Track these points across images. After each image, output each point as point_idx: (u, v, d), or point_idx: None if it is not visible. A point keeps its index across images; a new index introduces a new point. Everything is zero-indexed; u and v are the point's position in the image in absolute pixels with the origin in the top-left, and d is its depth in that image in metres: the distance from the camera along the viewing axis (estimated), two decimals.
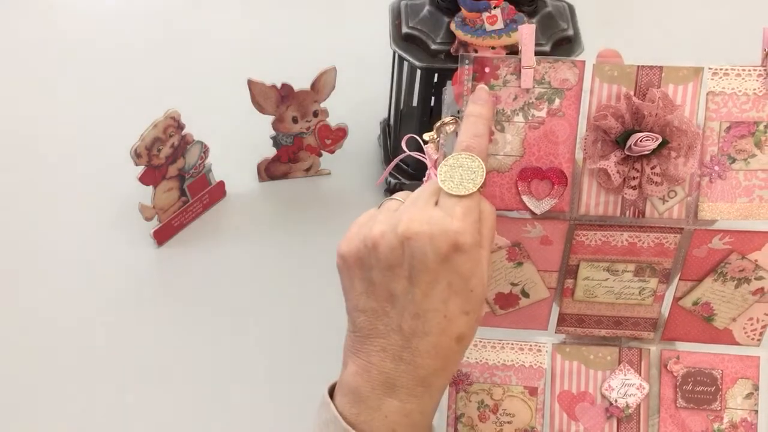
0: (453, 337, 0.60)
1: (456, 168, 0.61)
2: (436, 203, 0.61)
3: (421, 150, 0.71)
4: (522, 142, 0.68)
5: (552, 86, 0.67)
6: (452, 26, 1.00)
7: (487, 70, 0.66)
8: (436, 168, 0.69)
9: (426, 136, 0.70)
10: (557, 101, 0.67)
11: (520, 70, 0.66)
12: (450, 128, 0.68)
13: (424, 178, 0.72)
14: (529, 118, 0.67)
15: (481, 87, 0.67)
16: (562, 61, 0.66)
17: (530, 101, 0.67)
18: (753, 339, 0.76)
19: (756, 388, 0.76)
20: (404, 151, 0.76)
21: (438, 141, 0.69)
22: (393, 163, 0.80)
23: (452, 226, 0.58)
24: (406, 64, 1.06)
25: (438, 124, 0.68)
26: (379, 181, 0.87)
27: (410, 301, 0.60)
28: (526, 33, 0.65)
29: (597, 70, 0.66)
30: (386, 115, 1.24)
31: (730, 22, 1.45)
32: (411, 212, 0.60)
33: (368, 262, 0.61)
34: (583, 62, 0.66)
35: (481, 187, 0.60)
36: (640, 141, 0.65)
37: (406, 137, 0.75)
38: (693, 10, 1.48)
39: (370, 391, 0.62)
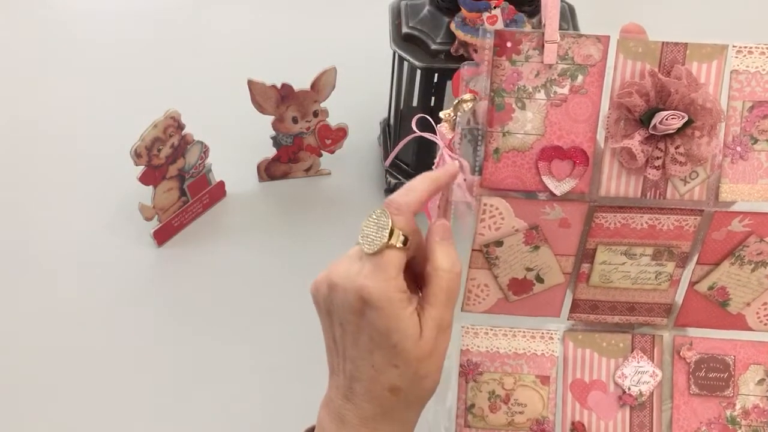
0: (385, 387, 0.59)
1: (371, 223, 0.58)
2: None
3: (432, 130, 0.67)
4: (543, 121, 0.63)
5: (575, 62, 0.62)
6: (452, 26, 0.98)
7: (509, 44, 0.62)
8: (450, 149, 0.65)
9: (441, 115, 0.65)
10: (580, 78, 0.62)
11: (543, 45, 0.62)
12: (468, 105, 0.64)
13: (436, 160, 0.68)
14: (551, 95, 0.63)
15: (454, 163, 0.64)
16: (586, 36, 0.62)
17: (553, 77, 0.62)
18: (766, 324, 0.72)
19: None
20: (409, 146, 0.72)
21: (454, 119, 0.64)
22: (402, 143, 0.75)
23: (356, 282, 0.57)
24: (406, 64, 1.03)
25: (456, 101, 0.64)
26: (387, 163, 0.83)
27: (345, 347, 0.60)
28: (551, 5, 0.60)
29: (621, 46, 0.62)
30: (386, 115, 1.21)
31: (731, 22, 1.42)
32: (338, 263, 0.59)
33: (318, 305, 0.62)
34: (608, 37, 0.62)
35: (403, 244, 0.57)
36: (666, 119, 0.61)
37: (416, 117, 0.70)
38: (694, 11, 1.46)
39: (329, 423, 0.62)
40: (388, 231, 0.57)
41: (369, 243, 0.57)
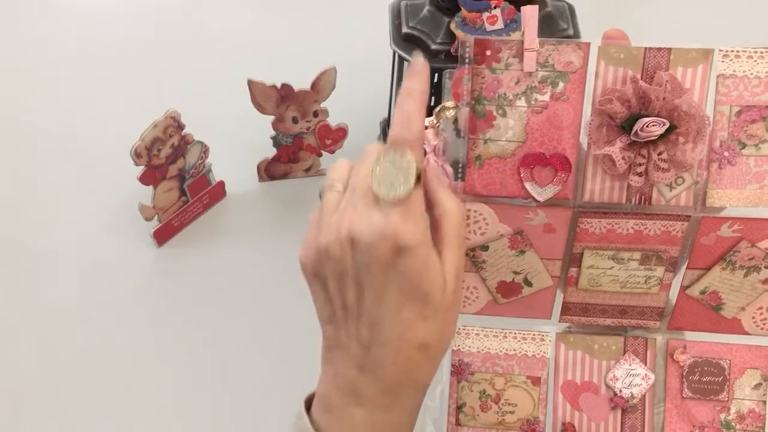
0: (414, 345, 0.56)
1: (387, 167, 0.54)
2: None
3: None
4: (524, 128, 0.64)
5: (555, 69, 0.63)
6: (452, 26, 0.98)
7: (488, 53, 0.62)
8: (435, 154, 0.66)
9: (426, 122, 0.66)
10: (561, 85, 0.63)
11: (522, 53, 0.62)
12: (450, 113, 0.64)
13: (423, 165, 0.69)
14: (532, 102, 0.63)
15: (417, 56, 0.61)
16: (566, 44, 0.62)
17: (533, 85, 0.63)
18: (762, 329, 0.72)
19: (765, 378, 0.72)
20: None
21: (438, 126, 0.65)
22: None
23: (387, 230, 0.53)
24: (406, 64, 1.03)
25: (438, 108, 0.65)
26: None
27: (364, 310, 0.56)
28: (529, 14, 0.61)
29: (602, 53, 0.62)
30: (386, 115, 1.21)
31: (733, 22, 1.41)
32: (351, 216, 0.55)
33: (322, 272, 0.57)
34: (588, 44, 0.62)
35: (418, 182, 0.54)
36: (647, 126, 0.61)
37: None
38: (694, 11, 1.45)
39: (338, 399, 0.58)
40: (414, 173, 0.54)
41: (392, 187, 0.53)
